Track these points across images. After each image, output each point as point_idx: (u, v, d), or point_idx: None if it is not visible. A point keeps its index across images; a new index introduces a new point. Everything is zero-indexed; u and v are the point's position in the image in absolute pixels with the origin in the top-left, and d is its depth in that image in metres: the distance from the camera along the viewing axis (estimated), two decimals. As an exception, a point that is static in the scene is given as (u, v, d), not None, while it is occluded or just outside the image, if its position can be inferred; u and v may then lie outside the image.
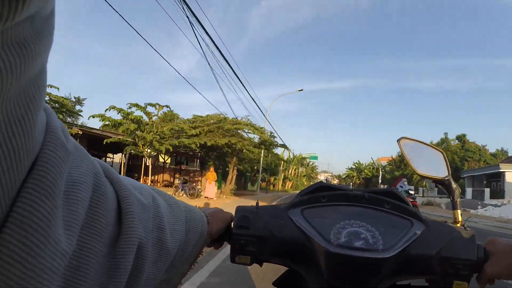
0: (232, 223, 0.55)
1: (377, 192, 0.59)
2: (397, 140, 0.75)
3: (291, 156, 39.01)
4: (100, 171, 0.27)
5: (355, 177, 57.01)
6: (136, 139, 10.48)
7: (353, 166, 58.65)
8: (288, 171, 37.62)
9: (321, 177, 75.39)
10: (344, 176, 64.87)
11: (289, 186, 39.77)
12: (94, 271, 0.23)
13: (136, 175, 12.03)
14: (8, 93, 0.15)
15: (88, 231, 0.23)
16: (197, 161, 17.82)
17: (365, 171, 47.12)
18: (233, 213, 0.56)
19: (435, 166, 0.72)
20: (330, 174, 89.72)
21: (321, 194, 0.58)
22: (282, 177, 34.73)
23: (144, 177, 11.61)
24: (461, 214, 0.64)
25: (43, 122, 0.20)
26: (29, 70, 0.16)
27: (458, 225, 0.61)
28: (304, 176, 48.84)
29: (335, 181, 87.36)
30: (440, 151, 0.71)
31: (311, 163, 56.83)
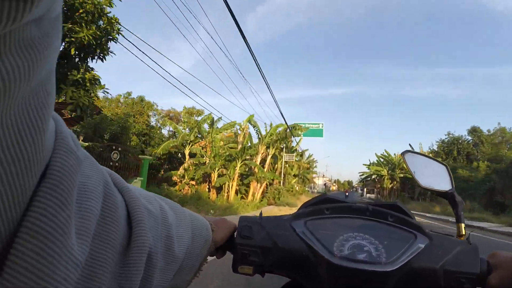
0: (235, 233, 0.62)
1: (381, 205, 0.64)
2: (401, 153, 0.79)
3: (265, 125, 21.77)
4: (109, 180, 0.31)
5: (384, 177, 38.85)
6: None
7: (381, 159, 40.71)
8: (256, 158, 20.29)
9: (319, 182, 68.97)
10: (363, 177, 49.00)
11: (258, 196, 20.24)
12: (107, 280, 0.27)
13: None
14: (17, 97, 0.18)
15: (100, 240, 0.27)
16: None
17: (404, 165, 22.30)
18: (236, 223, 0.64)
19: (439, 179, 0.75)
20: (329, 179, 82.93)
21: (325, 206, 0.64)
22: (238, 168, 18.09)
23: None
24: (464, 227, 0.70)
25: (52, 129, 0.24)
26: (37, 73, 0.19)
27: (462, 238, 0.68)
28: (295, 176, 31.44)
29: (334, 187, 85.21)
30: (444, 164, 0.77)
31: (307, 156, 38.48)
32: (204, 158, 17.65)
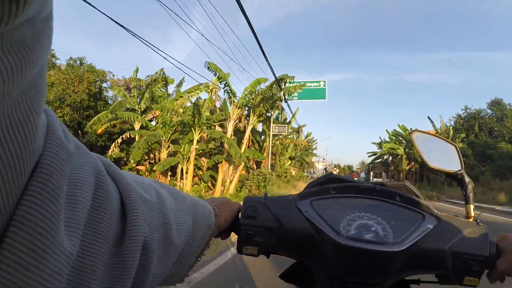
0: (240, 214, 0.65)
1: (388, 184, 0.66)
2: (409, 133, 0.82)
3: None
4: (101, 168, 0.33)
5: (400, 157, 32.17)
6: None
7: (394, 137, 33.29)
8: (226, 127, 13.07)
9: (319, 166, 61.64)
10: (373, 158, 41.82)
11: (232, 185, 12.90)
12: (99, 271, 0.29)
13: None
14: (9, 96, 0.19)
15: (92, 231, 0.29)
16: None
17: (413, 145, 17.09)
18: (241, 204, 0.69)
19: (447, 160, 0.75)
20: (329, 164, 78.07)
21: (331, 186, 0.65)
22: (195, 143, 11.94)
23: None
24: (473, 209, 0.71)
25: (44, 124, 0.26)
26: (29, 72, 0.20)
27: (471, 220, 0.69)
28: (291, 158, 25.62)
29: (335, 171, 77.78)
30: (453, 144, 0.77)
31: (305, 134, 33.12)
32: (154, 130, 12.13)
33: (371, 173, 43.02)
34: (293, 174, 24.18)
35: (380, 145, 38.38)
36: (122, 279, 0.31)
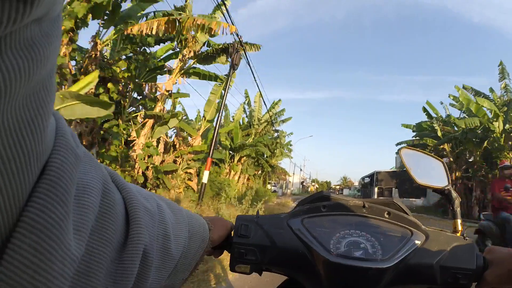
0: (232, 232, 0.69)
1: (377, 201, 0.70)
2: (398, 150, 1.06)
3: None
4: (107, 177, 0.35)
5: (493, 140, 14.93)
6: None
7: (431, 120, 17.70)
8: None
9: (294, 179, 54.00)
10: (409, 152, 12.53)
11: None
12: (103, 276, 0.30)
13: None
14: (17, 96, 0.19)
15: (98, 236, 0.30)
16: None
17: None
18: (233, 222, 0.71)
19: (435, 176, 0.78)
20: (306, 177, 69.35)
21: (322, 204, 0.69)
22: None
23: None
24: (461, 223, 0.75)
25: (53, 126, 0.27)
26: (37, 73, 0.21)
27: (458, 234, 0.73)
28: (230, 149, 13.67)
29: (313, 187, 69.71)
30: (440, 160, 0.81)
31: (271, 103, 20.16)
32: None
33: (375, 189, 30.58)
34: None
35: (422, 128, 18.67)
36: (122, 285, 0.31)
